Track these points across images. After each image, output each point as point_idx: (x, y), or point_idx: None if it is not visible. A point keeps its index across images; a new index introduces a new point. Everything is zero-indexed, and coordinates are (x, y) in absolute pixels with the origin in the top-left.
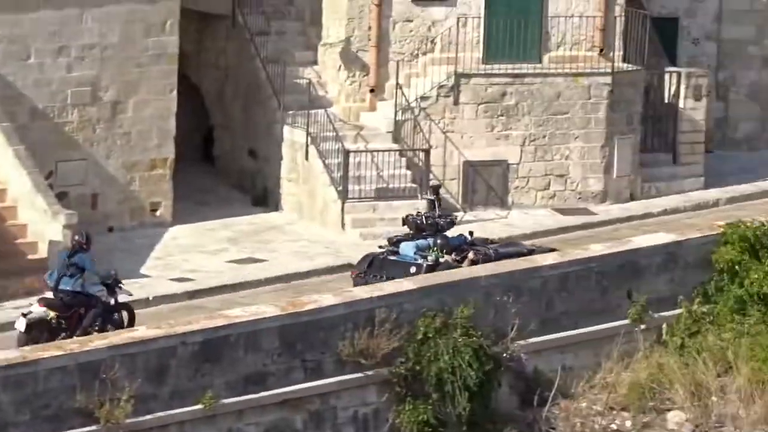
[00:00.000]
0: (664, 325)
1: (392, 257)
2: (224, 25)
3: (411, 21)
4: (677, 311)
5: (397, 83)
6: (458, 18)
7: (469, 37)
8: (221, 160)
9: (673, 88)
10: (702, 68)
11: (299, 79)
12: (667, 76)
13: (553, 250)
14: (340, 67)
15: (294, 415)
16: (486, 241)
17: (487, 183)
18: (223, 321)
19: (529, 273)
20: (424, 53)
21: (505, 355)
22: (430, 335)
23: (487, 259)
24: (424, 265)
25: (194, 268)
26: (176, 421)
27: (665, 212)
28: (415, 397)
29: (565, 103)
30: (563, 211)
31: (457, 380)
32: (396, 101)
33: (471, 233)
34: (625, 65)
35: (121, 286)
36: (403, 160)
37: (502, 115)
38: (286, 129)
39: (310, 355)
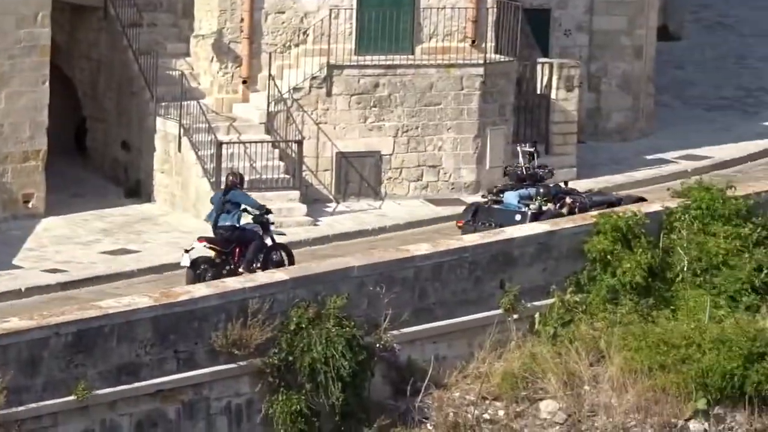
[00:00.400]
0: (537, 315)
1: (496, 206)
2: (96, 17)
3: (283, 12)
4: (550, 301)
5: (270, 75)
6: (330, 9)
7: (342, 28)
8: (94, 151)
9: (545, 79)
10: (574, 59)
11: (172, 70)
12: (539, 67)
13: (641, 199)
14: (212, 58)
15: (167, 406)
16: (578, 192)
17: (361, 174)
18: (95, 312)
19: (402, 263)
20: (297, 45)
21: (378, 345)
22: (303, 326)
23: (583, 207)
24: (529, 213)
25: (67, 259)
26: (49, 412)
27: None
28: (288, 387)
29: (437, 94)
30: (436, 202)
31: (331, 370)
32: (268, 93)
33: (566, 183)
34: (498, 56)
35: (273, 223)
36: (276, 151)
37: (374, 107)
38: (158, 120)
39: (183, 345)
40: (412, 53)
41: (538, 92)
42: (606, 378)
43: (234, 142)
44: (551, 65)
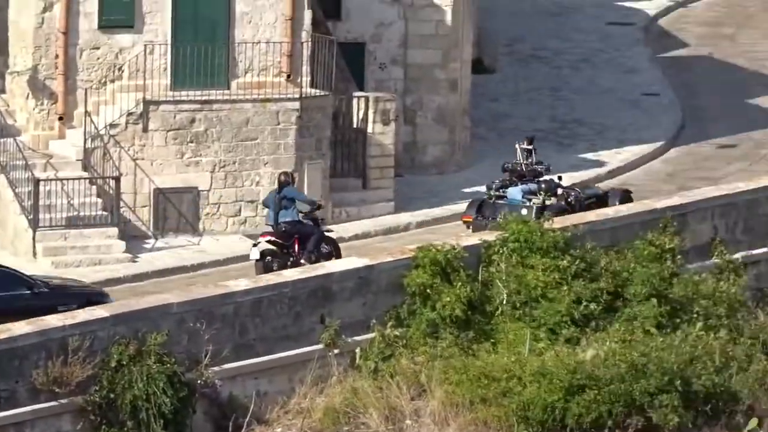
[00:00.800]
0: (358, 350)
1: (501, 201)
2: None
3: (98, 48)
4: (370, 335)
5: (86, 111)
6: (145, 45)
7: (157, 64)
8: None
9: (361, 113)
10: (389, 93)
11: None
12: (355, 101)
13: (627, 191)
14: (28, 95)
15: None
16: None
17: (179, 210)
18: None
19: (222, 299)
20: (112, 81)
21: (199, 381)
22: (124, 363)
23: (579, 200)
24: (534, 207)
25: None
26: None
27: (356, 237)
28: (110, 425)
29: (254, 129)
30: (255, 237)
31: (152, 407)
32: (85, 129)
33: (560, 177)
34: (313, 90)
35: (323, 219)
36: (94, 188)
37: (191, 142)
38: None
39: (3, 384)
40: (228, 88)
41: (355, 126)
42: (428, 412)
43: (51, 179)
44: (367, 99)
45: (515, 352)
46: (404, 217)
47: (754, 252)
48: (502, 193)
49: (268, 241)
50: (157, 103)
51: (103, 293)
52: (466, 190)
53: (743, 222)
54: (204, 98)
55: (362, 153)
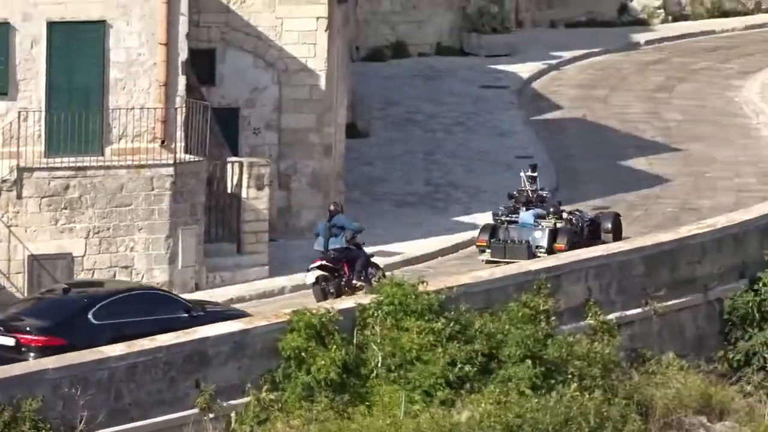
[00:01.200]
0: (233, 414)
1: (513, 225)
2: None
3: None
4: (246, 399)
5: None
6: (19, 112)
7: (31, 131)
8: None
9: (235, 178)
10: (263, 158)
11: None
12: (229, 166)
13: (617, 214)
14: None
15: None
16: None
17: (53, 276)
18: None
19: (97, 364)
20: None
21: None
22: None
23: (580, 222)
24: (547, 229)
25: None
26: None
27: (231, 301)
28: None
29: (128, 194)
30: None
31: None
32: None
33: (559, 203)
34: (187, 156)
35: (364, 243)
36: None
37: (65, 208)
38: None
39: None
40: (102, 154)
41: (229, 191)
42: None
43: None
44: (241, 164)
45: (390, 414)
46: (279, 281)
47: (628, 313)
48: (512, 218)
49: (320, 267)
50: (31, 170)
51: (248, 315)
52: None
53: (617, 283)
54: (78, 165)
55: (237, 218)
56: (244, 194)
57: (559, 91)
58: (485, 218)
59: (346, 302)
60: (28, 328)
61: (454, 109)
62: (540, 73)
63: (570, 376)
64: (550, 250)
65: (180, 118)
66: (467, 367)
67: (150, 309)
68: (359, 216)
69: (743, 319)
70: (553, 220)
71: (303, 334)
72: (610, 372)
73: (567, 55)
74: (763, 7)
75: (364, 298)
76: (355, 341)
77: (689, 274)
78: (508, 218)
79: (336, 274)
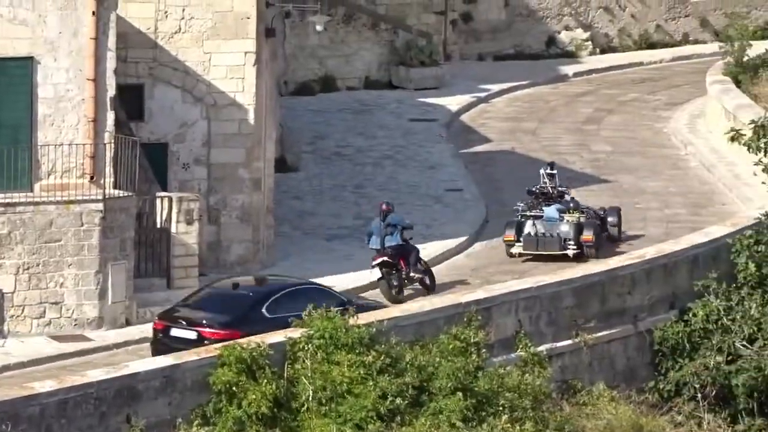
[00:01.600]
0: None
1: (538, 220)
2: None
3: None
4: None
5: None
6: None
7: None
8: None
9: (165, 213)
10: (193, 193)
11: None
12: (158, 201)
13: (619, 209)
14: None
15: None
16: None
17: None
18: None
19: (27, 401)
20: None
21: None
22: None
23: (596, 216)
24: (574, 223)
25: None
26: None
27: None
28: None
29: (57, 230)
30: (60, 338)
31: None
32: None
33: (572, 199)
34: (117, 191)
35: (411, 238)
36: None
37: None
38: None
39: None
40: (32, 190)
41: (159, 226)
42: None
43: None
44: (171, 199)
45: None
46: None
47: (559, 344)
48: (537, 213)
49: (382, 263)
50: None
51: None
52: None
53: (547, 315)
54: (7, 201)
55: (166, 253)
56: (173, 229)
57: (488, 123)
58: None
59: (277, 336)
60: (209, 323)
61: (384, 143)
62: (469, 106)
63: (501, 408)
64: (578, 243)
65: (109, 154)
66: (398, 400)
67: (312, 303)
68: (291, 250)
69: (673, 350)
70: (576, 215)
71: (234, 369)
72: (541, 403)
73: (495, 87)
74: (690, 38)
75: (294, 332)
76: (286, 375)
77: (619, 305)
78: (533, 213)
79: (394, 270)
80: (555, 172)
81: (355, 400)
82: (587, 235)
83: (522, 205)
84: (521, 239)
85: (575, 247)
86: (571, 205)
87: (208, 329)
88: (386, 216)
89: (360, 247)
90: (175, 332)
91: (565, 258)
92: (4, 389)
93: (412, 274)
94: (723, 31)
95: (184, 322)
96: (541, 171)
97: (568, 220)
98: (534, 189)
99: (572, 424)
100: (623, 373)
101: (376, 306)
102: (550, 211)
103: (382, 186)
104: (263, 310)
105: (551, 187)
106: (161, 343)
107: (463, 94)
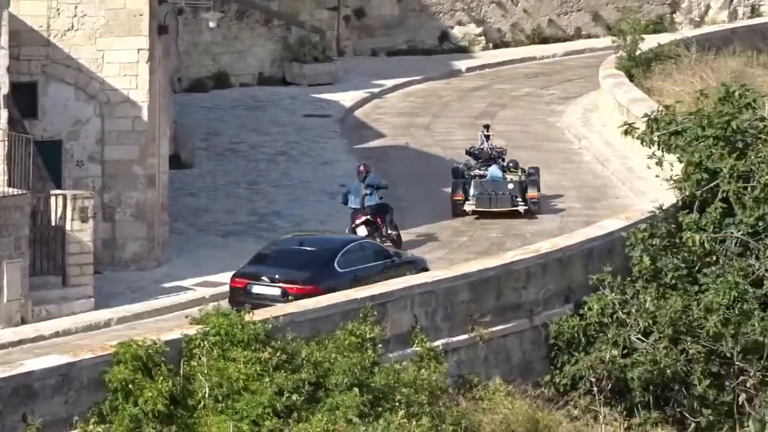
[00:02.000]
0: None
1: (484, 179)
2: None
3: None
4: None
5: None
6: None
7: None
8: None
9: (59, 211)
10: (87, 190)
11: None
12: (53, 199)
13: (537, 168)
14: None
15: None
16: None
17: None
18: None
19: None
20: None
21: None
22: None
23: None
24: (515, 182)
25: None
26: None
27: (57, 335)
28: None
29: None
30: None
31: None
32: None
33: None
34: (10, 189)
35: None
36: None
37: None
38: None
39: None
40: None
41: (53, 224)
42: None
43: None
44: (65, 197)
45: None
46: (104, 314)
47: (454, 339)
48: (482, 172)
49: (365, 222)
50: None
51: (425, 261)
52: (166, 285)
53: (443, 310)
54: None
55: (61, 250)
56: (68, 227)
57: (382, 119)
58: None
59: (172, 333)
60: (292, 279)
61: (277, 139)
62: (362, 102)
63: (397, 404)
64: (524, 200)
65: (2, 152)
66: (294, 396)
67: (369, 257)
68: (185, 247)
69: (569, 344)
70: (519, 174)
71: (129, 366)
72: (438, 399)
73: (389, 83)
74: (583, 33)
75: (190, 329)
76: (182, 372)
77: (515, 299)
78: (479, 173)
79: (374, 227)
80: (491, 133)
81: (251, 397)
82: (532, 192)
83: (462, 165)
84: (472, 197)
85: (523, 203)
86: (511, 164)
87: (293, 285)
88: (365, 177)
89: (256, 244)
90: (257, 289)
91: (515, 214)
92: None
93: (389, 232)
94: (615, 25)
95: (266, 279)
96: (479, 134)
97: (512, 179)
98: (473, 150)
99: (469, 419)
100: (519, 368)
101: (413, 260)
102: (494, 170)
103: (276, 182)
104: (335, 265)
105: (489, 148)
106: (242, 302)
107: (356, 90)
